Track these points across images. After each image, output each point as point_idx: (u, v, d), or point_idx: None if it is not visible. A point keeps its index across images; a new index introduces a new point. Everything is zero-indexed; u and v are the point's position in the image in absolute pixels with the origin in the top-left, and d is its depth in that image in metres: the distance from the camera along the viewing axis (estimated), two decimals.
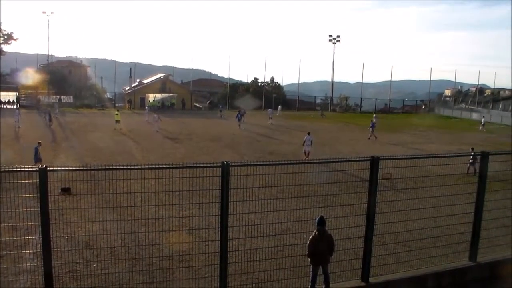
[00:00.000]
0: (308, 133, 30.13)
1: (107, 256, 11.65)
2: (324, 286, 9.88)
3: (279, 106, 66.06)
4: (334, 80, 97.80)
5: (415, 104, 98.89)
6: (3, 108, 64.82)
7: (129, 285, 10.24)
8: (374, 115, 55.26)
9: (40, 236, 8.01)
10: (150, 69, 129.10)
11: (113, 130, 43.11)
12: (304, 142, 29.67)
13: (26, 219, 9.33)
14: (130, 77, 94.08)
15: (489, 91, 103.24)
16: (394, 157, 10.48)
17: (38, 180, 7.76)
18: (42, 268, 8.17)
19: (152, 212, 10.87)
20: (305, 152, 29.11)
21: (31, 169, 7.93)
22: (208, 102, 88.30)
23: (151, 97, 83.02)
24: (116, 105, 78.59)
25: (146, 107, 66.23)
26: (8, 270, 10.76)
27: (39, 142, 23.38)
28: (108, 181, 8.74)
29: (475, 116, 73.72)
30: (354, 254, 10.67)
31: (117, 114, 46.16)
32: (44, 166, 7.81)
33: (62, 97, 75.82)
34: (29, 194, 8.39)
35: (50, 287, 8.23)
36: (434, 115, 79.40)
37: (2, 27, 78.19)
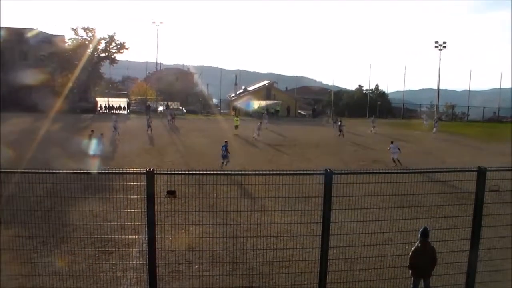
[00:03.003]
0: (392, 142, 30.41)
1: (209, 259, 11.85)
2: None
3: (373, 116, 62.30)
4: (440, 87, 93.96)
5: None
6: (115, 113, 68.76)
7: None
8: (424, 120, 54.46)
9: (146, 236, 8.26)
10: (255, 76, 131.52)
11: (233, 135, 44.39)
12: (390, 149, 30.01)
13: (134, 219, 9.71)
14: (236, 84, 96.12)
15: None
16: (503, 168, 9.78)
17: (145, 183, 8.00)
18: (147, 266, 8.44)
19: (254, 217, 10.90)
20: (393, 160, 29.32)
21: (138, 171, 8.18)
22: (312, 110, 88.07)
23: (256, 104, 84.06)
24: (222, 111, 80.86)
25: (264, 113, 66.40)
26: (116, 266, 11.27)
27: (226, 141, 26.45)
28: (212, 185, 8.86)
29: None
30: (457, 269, 10.12)
31: (236, 120, 48.83)
32: (151, 169, 8.03)
33: (169, 103, 79.14)
34: (137, 196, 8.70)
35: (154, 285, 8.46)
36: None
37: (115, 37, 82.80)
